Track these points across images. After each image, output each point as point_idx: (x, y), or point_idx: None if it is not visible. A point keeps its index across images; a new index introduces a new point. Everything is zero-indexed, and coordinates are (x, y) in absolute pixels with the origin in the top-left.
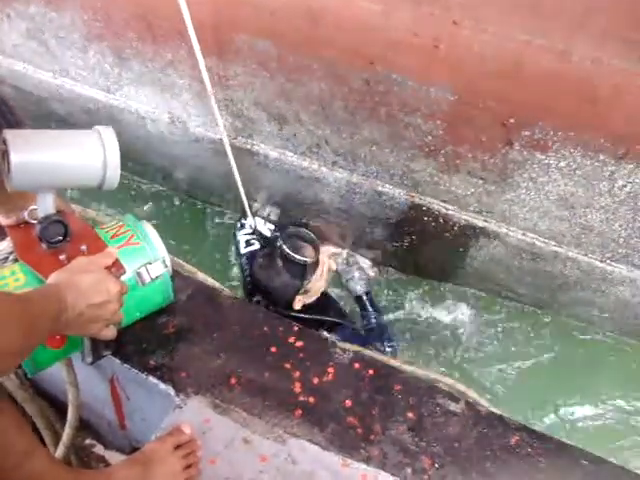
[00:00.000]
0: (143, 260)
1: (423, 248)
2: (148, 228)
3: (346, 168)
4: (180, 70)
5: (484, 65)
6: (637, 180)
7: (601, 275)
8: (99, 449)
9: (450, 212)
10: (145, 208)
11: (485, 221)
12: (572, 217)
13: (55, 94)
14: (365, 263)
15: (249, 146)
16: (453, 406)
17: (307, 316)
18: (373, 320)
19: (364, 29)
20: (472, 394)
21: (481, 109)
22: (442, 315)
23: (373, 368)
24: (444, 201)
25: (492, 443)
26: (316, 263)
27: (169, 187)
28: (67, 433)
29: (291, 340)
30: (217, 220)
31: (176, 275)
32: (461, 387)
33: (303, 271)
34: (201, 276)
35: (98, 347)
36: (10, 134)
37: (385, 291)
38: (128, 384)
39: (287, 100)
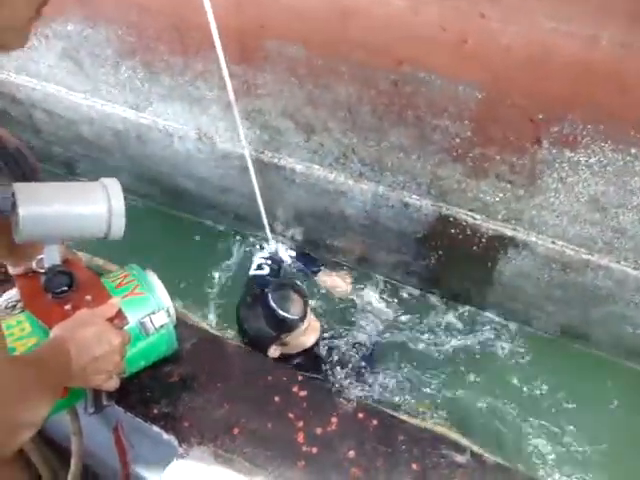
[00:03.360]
0: (147, 310)
1: (450, 265)
2: (152, 278)
3: (372, 179)
4: (210, 82)
5: (512, 58)
6: None
7: (635, 284)
8: None
9: (478, 222)
10: (168, 236)
11: (514, 229)
12: (603, 220)
13: (85, 116)
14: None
15: (276, 160)
16: (458, 457)
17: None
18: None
19: (393, 27)
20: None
21: (509, 106)
22: (463, 341)
23: (377, 418)
24: (471, 210)
25: None
26: (302, 319)
27: (193, 213)
28: None
29: (295, 389)
30: (244, 248)
31: (181, 324)
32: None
33: (281, 325)
34: (203, 325)
35: (100, 398)
36: (19, 187)
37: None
38: (132, 433)
39: (314, 107)
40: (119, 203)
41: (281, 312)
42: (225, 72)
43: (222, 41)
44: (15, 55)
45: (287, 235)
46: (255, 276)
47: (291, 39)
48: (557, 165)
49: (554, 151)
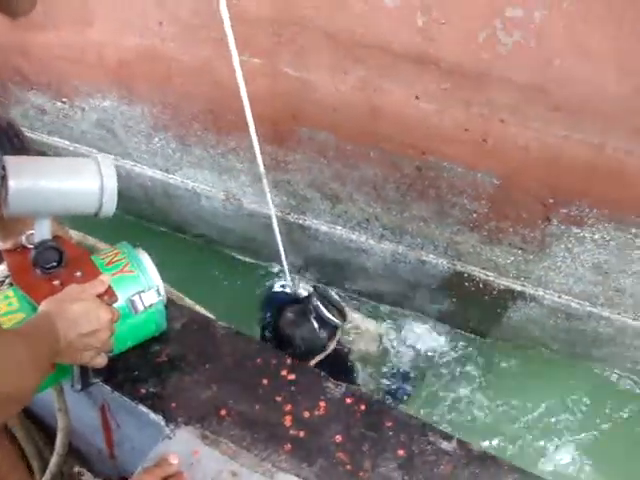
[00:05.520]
0: (137, 288)
1: (462, 309)
2: (143, 256)
3: (392, 241)
4: (241, 156)
5: (527, 156)
6: None
7: (634, 332)
8: (88, 477)
9: (490, 278)
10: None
11: (523, 286)
12: (605, 281)
13: None
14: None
15: (301, 221)
16: (445, 444)
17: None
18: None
19: (419, 125)
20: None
21: (523, 191)
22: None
23: (365, 403)
24: (484, 268)
25: None
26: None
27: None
28: (54, 460)
29: (283, 373)
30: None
31: (171, 304)
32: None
33: (333, 332)
34: (196, 308)
35: (87, 374)
36: (9, 160)
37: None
38: (118, 412)
39: (342, 182)
40: (111, 180)
41: (335, 320)
42: (258, 153)
43: (256, 125)
44: (49, 120)
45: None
46: (276, 293)
47: (322, 128)
48: (565, 238)
49: (562, 227)
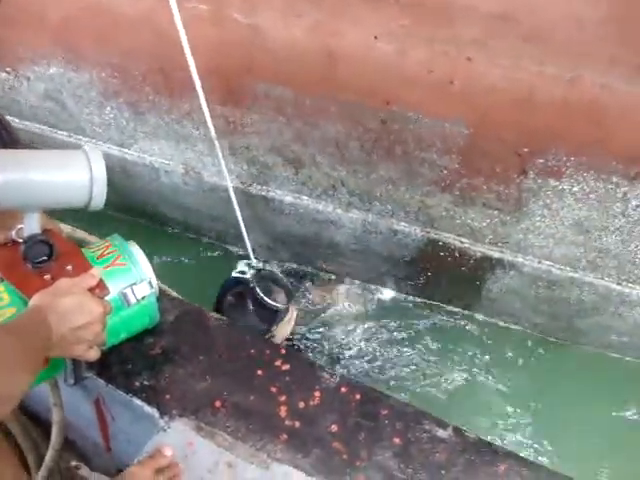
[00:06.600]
0: (129, 281)
1: (439, 284)
2: (135, 249)
3: (361, 208)
4: (196, 120)
5: (497, 97)
6: None
7: (619, 298)
8: (85, 471)
9: (466, 245)
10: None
11: (501, 252)
12: (587, 241)
13: None
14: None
15: (264, 192)
16: (440, 432)
17: None
18: None
19: (380, 69)
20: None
21: (495, 140)
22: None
23: (360, 392)
24: (459, 235)
25: (480, 471)
26: (286, 309)
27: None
28: (50, 455)
29: (277, 363)
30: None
31: (164, 296)
32: None
33: (273, 316)
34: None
35: (80, 368)
36: None
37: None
38: (113, 405)
39: (303, 144)
40: (101, 172)
41: (273, 304)
42: (206, 111)
43: (207, 83)
44: None
45: (277, 260)
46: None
47: (278, 81)
48: (542, 193)
49: (539, 181)
